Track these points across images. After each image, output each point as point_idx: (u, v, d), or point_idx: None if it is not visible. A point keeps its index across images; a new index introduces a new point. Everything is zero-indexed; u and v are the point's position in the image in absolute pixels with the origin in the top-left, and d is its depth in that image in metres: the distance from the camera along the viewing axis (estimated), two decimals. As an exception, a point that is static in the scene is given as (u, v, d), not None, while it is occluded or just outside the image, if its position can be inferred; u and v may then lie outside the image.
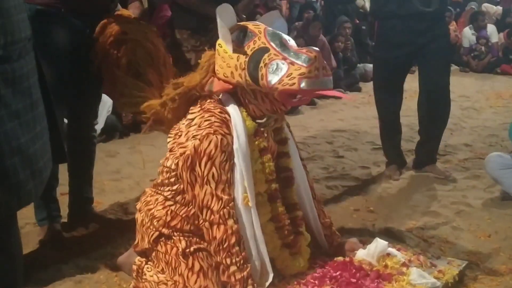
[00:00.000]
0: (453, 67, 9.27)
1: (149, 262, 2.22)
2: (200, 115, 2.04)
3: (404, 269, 2.18)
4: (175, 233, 2.11)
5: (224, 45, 2.05)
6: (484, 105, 6.43)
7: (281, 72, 1.90)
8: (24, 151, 1.20)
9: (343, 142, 4.85)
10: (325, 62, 1.96)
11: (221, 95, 2.09)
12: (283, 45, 1.96)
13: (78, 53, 2.54)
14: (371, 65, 8.23)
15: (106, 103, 4.57)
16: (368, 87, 7.72)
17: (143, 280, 2.21)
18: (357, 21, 8.96)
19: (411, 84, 7.84)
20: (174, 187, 2.10)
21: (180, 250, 2.08)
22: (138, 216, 2.24)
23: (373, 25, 8.73)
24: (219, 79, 2.07)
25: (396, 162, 3.88)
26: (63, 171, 2.85)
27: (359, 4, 9.85)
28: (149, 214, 2.16)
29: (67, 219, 2.94)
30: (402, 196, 3.43)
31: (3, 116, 1.15)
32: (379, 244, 2.27)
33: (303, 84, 1.87)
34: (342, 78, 7.32)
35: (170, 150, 2.10)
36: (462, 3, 10.72)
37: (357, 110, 6.36)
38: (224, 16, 2.03)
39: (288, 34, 2.12)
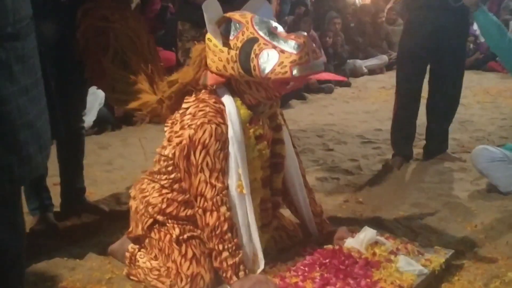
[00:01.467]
0: (443, 63, 9.37)
1: (142, 249, 2.26)
2: (195, 105, 2.07)
3: (392, 257, 2.24)
4: (169, 220, 2.15)
5: (213, 39, 2.07)
6: (472, 101, 6.49)
7: (272, 61, 1.92)
8: (33, 126, 1.26)
9: (333, 136, 4.90)
10: (314, 44, 1.99)
11: (215, 85, 2.12)
12: (272, 33, 1.98)
13: (65, 42, 2.54)
14: (360, 61, 8.33)
15: (98, 96, 4.60)
16: (357, 83, 7.81)
17: (136, 267, 2.25)
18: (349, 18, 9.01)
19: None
20: (172, 176, 2.13)
21: (174, 237, 2.11)
22: (133, 203, 2.28)
23: (363, 22, 8.80)
24: (212, 72, 2.10)
25: (403, 153, 3.94)
26: (55, 161, 2.88)
27: (350, 0, 9.91)
28: (144, 201, 2.19)
29: (59, 209, 2.96)
30: (390, 188, 3.48)
31: (15, 92, 1.20)
32: (367, 233, 2.33)
33: (295, 71, 1.90)
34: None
35: (168, 139, 2.14)
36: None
37: (346, 104, 6.42)
38: (211, 11, 2.04)
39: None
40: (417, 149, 4.36)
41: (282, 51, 1.92)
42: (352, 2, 10.14)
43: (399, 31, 9.41)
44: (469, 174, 3.68)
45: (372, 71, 8.38)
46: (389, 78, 8.14)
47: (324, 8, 8.32)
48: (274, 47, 1.94)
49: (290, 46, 1.92)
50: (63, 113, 2.84)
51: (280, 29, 2.03)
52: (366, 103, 6.49)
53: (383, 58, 8.67)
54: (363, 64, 8.35)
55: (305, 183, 2.45)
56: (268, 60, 1.93)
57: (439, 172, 3.80)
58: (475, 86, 7.50)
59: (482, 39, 9.05)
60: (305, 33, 1.99)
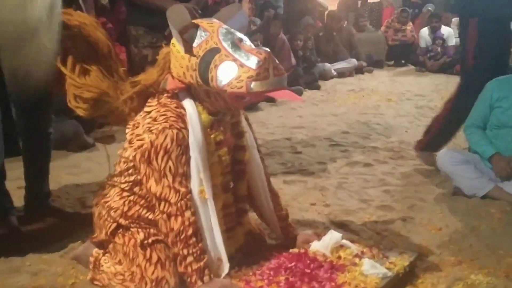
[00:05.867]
0: (410, 67, 9.51)
1: (106, 254, 2.24)
2: (156, 109, 2.06)
3: (357, 260, 2.25)
4: (133, 224, 2.13)
5: (177, 45, 2.06)
6: (439, 103, 6.52)
7: (230, 74, 1.92)
8: None
9: (301, 139, 4.92)
10: (276, 61, 1.99)
11: (176, 90, 2.11)
12: (235, 45, 1.97)
13: None
14: (329, 65, 8.40)
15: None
16: (327, 85, 7.87)
17: (100, 272, 2.22)
18: (319, 24, 9.09)
19: (369, 83, 8.09)
20: (132, 178, 2.12)
21: (138, 241, 2.10)
22: (95, 210, 2.26)
23: (330, 29, 8.84)
24: (173, 77, 2.09)
25: (436, 150, 3.88)
26: (19, 165, 2.84)
27: (323, 4, 9.98)
28: (106, 206, 2.17)
29: (23, 213, 2.92)
30: (357, 191, 3.51)
31: None
32: (333, 236, 2.34)
33: (252, 86, 1.90)
34: (301, 76, 7.41)
35: (129, 141, 2.12)
36: (420, 4, 10.93)
37: (315, 107, 6.45)
38: (176, 17, 2.03)
39: (249, 32, 2.13)
40: (385, 152, 4.42)
41: (242, 65, 1.92)
42: (324, 5, 10.22)
43: (367, 38, 9.64)
44: (435, 177, 3.73)
45: (341, 74, 8.46)
46: (358, 81, 8.26)
47: (294, 11, 8.35)
48: (235, 60, 1.94)
49: (250, 60, 1.92)
50: (31, 116, 2.83)
51: (245, 42, 2.02)
52: (335, 106, 6.54)
53: (352, 62, 8.75)
54: (332, 67, 8.41)
55: (270, 188, 2.45)
56: (226, 73, 1.92)
57: (406, 175, 3.84)
58: (443, 89, 7.62)
59: (449, 43, 9.21)
60: (268, 50, 1.98)
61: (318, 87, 7.56)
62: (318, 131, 5.24)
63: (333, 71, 8.36)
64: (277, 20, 7.54)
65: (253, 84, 1.90)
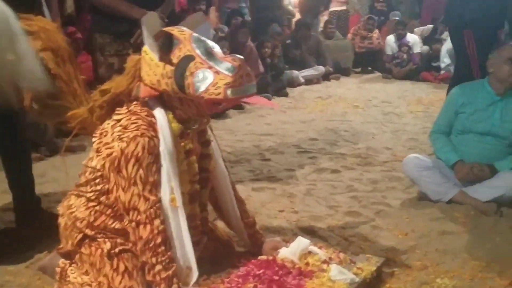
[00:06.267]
0: (376, 74, 9.62)
1: (72, 264, 2.21)
2: (126, 117, 2.05)
3: (324, 266, 2.26)
4: (99, 235, 2.11)
5: (150, 52, 2.06)
6: (405, 110, 6.68)
7: (207, 81, 1.93)
8: None
9: (269, 146, 4.94)
10: (248, 68, 2.01)
11: (147, 98, 2.11)
12: (208, 53, 1.99)
13: None
14: (297, 72, 8.44)
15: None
16: (295, 92, 7.92)
17: (66, 283, 2.19)
18: (287, 31, 9.14)
19: (336, 90, 8.16)
20: (98, 187, 2.10)
21: (105, 251, 2.08)
22: (61, 221, 2.22)
23: (298, 36, 8.90)
24: (145, 85, 2.09)
25: None
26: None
27: (291, 11, 10.04)
28: (71, 217, 2.15)
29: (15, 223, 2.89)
30: (324, 197, 3.53)
31: None
32: (301, 243, 2.35)
33: (228, 93, 1.92)
34: (269, 84, 7.44)
35: (96, 151, 2.10)
36: (386, 12, 11.07)
37: (284, 114, 6.48)
38: (150, 25, 2.03)
39: (216, 40, 2.15)
40: (353, 158, 4.47)
41: (217, 72, 1.94)
42: (292, 13, 10.29)
43: (335, 45, 9.74)
44: (401, 183, 3.78)
45: (309, 81, 8.52)
46: (325, 88, 8.32)
47: (262, 19, 8.38)
48: (210, 67, 1.95)
49: (225, 67, 1.94)
50: (5, 124, 2.78)
51: (217, 49, 2.04)
52: (303, 113, 6.58)
53: (320, 69, 8.82)
54: (300, 74, 8.47)
55: (236, 195, 2.46)
56: (203, 80, 1.94)
57: (373, 181, 3.88)
58: (409, 96, 7.73)
59: (415, 50, 9.35)
60: (241, 57, 2.01)
61: (286, 94, 7.60)
62: (286, 138, 5.26)
63: (301, 78, 8.41)
64: (245, 28, 7.56)
65: (229, 91, 1.92)
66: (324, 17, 10.97)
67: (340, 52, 9.87)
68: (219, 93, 1.92)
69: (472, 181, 3.31)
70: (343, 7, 11.36)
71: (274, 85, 7.57)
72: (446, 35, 9.01)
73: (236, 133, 5.41)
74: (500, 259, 2.64)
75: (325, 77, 8.94)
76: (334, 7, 11.24)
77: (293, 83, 8.23)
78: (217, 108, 2.09)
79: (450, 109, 3.46)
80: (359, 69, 10.04)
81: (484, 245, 2.80)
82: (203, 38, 2.06)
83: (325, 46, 9.43)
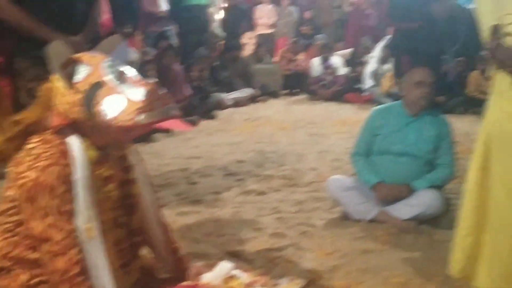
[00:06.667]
0: (303, 96, 9.78)
1: (-13, 297, 2.14)
2: (39, 145, 2.00)
3: (248, 289, 2.28)
4: (16, 266, 2.05)
5: (59, 81, 2.02)
6: (330, 131, 6.81)
7: (117, 107, 1.91)
8: None
9: (197, 169, 4.93)
10: (163, 91, 2.00)
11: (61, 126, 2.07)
12: (120, 78, 1.97)
13: None
14: (225, 94, 8.49)
15: None
16: (223, 114, 7.94)
17: (-18, 316, 2.12)
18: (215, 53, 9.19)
19: (264, 112, 8.24)
20: (15, 218, 2.03)
21: (22, 282, 2.02)
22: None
23: (226, 57, 8.97)
24: (58, 113, 2.05)
25: None
26: None
27: (218, 34, 10.09)
28: (-13, 248, 2.08)
29: None
30: (251, 220, 3.56)
31: None
32: (224, 267, 2.36)
33: (140, 118, 1.90)
34: (197, 106, 7.45)
35: (12, 180, 2.05)
36: (312, 35, 11.30)
37: (211, 137, 6.49)
38: (56, 53, 1.99)
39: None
40: (279, 180, 4.52)
41: (128, 98, 1.91)
42: (219, 35, 10.35)
43: (262, 67, 9.87)
44: (326, 203, 3.84)
45: (237, 103, 8.57)
46: (254, 110, 8.39)
47: (189, 42, 8.41)
48: (120, 92, 1.93)
49: (136, 92, 1.92)
50: None
51: (129, 74, 2.01)
52: (230, 135, 6.61)
53: (248, 91, 8.90)
54: (228, 96, 8.52)
55: (161, 221, 2.44)
56: (113, 106, 1.91)
57: (298, 201, 3.94)
58: (334, 117, 7.89)
59: (339, 72, 9.58)
60: (153, 81, 2.00)
61: (214, 117, 7.62)
62: (214, 160, 5.27)
63: (229, 101, 8.46)
64: (171, 51, 7.56)
65: (140, 116, 1.90)
66: (251, 40, 11.11)
67: (268, 74, 10.00)
68: (129, 119, 1.90)
69: (392, 201, 3.42)
70: (270, 30, 11.53)
71: (201, 107, 7.58)
72: (367, 57, 9.31)
73: (163, 157, 5.38)
74: (420, 275, 2.74)
75: (253, 99, 9.03)
76: (261, 31, 11.41)
77: (221, 106, 8.26)
78: (130, 135, 2.07)
79: (367, 131, 3.58)
80: (286, 91, 10.19)
81: (405, 262, 2.89)
82: (116, 62, 2.04)
83: (253, 69, 9.54)
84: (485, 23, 2.24)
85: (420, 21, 4.43)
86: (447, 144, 3.45)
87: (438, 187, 3.44)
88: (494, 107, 2.30)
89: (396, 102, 3.67)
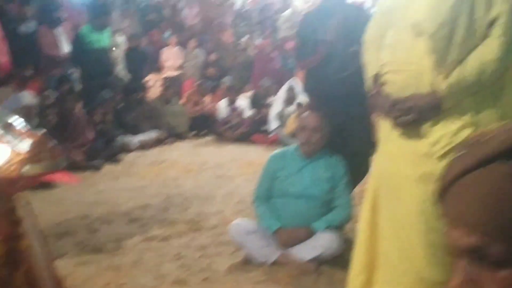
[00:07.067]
0: (210, 137, 9.81)
1: None
2: None
3: None
4: None
5: None
6: (236, 173, 6.85)
7: (1, 158, 1.86)
8: None
9: (98, 215, 4.80)
10: (51, 143, 1.96)
11: None
12: (6, 128, 1.93)
13: None
14: (131, 137, 8.37)
15: None
16: (129, 158, 7.80)
17: None
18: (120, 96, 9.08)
19: (170, 154, 8.18)
20: None
21: None
22: None
23: (131, 99, 8.88)
24: None
25: None
26: None
27: (124, 77, 9.99)
28: None
29: None
30: (153, 267, 3.50)
31: None
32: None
33: (25, 169, 1.85)
34: (101, 150, 7.30)
35: None
36: (218, 76, 11.42)
37: (115, 181, 6.35)
38: None
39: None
40: (183, 224, 4.47)
41: (13, 149, 1.87)
42: (124, 77, 10.25)
43: (170, 109, 9.84)
44: (229, 247, 3.84)
45: (143, 146, 8.46)
46: (160, 153, 8.31)
47: (92, 85, 8.26)
48: (5, 143, 1.88)
49: (22, 143, 1.88)
50: None
51: (16, 124, 1.97)
52: (135, 179, 6.49)
53: (154, 133, 8.83)
54: (134, 139, 8.40)
55: (53, 275, 2.35)
56: None
57: (201, 246, 3.91)
58: (241, 158, 7.93)
59: (246, 114, 9.71)
60: (41, 132, 1.96)
61: (118, 161, 7.47)
62: (116, 206, 5.16)
63: (134, 144, 8.34)
64: (73, 94, 7.41)
65: (26, 168, 1.85)
66: (158, 82, 11.08)
67: (175, 116, 9.97)
68: (13, 170, 1.85)
69: (293, 244, 3.46)
70: (177, 72, 11.55)
71: (106, 151, 7.42)
72: (272, 100, 9.51)
73: (64, 203, 5.19)
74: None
75: (160, 141, 8.95)
76: (167, 73, 11.41)
77: (127, 149, 8.13)
78: (15, 188, 2.00)
79: (266, 176, 3.65)
80: (193, 133, 10.19)
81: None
82: (3, 112, 2.00)
83: (160, 111, 9.49)
84: (369, 72, 2.36)
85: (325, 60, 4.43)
86: (343, 185, 3.56)
87: (337, 227, 3.52)
88: (380, 149, 2.41)
89: (292, 146, 3.76)
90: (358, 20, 3.18)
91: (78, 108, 7.29)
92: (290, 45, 10.83)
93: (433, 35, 2.09)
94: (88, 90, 8.07)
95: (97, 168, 6.85)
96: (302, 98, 8.75)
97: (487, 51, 2.06)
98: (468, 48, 2.08)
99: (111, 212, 4.92)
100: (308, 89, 4.34)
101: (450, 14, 2.06)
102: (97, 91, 8.00)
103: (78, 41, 8.03)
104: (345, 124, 3.73)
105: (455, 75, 2.09)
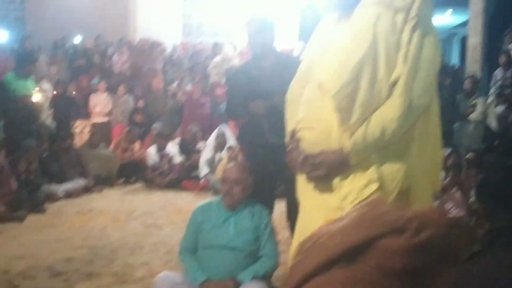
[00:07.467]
0: (139, 185, 9.69)
1: None
2: None
3: None
4: None
5: None
6: (166, 221, 6.77)
7: None
8: None
9: (20, 270, 4.63)
10: None
11: None
12: None
13: None
14: (56, 186, 8.15)
15: None
16: (54, 208, 7.57)
17: None
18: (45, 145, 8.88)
19: (98, 203, 8.02)
20: None
21: None
22: None
23: (56, 147, 8.69)
24: None
25: None
26: None
27: (47, 124, 9.78)
28: None
29: None
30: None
31: None
32: None
33: None
34: (24, 200, 7.08)
35: None
36: (147, 123, 11.33)
37: (39, 233, 6.13)
38: None
39: None
40: (108, 277, 4.36)
41: None
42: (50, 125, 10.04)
43: (97, 156, 9.68)
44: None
45: (69, 195, 8.25)
46: (87, 202, 8.12)
47: (16, 133, 8.05)
48: None
49: None
50: None
51: None
52: (60, 230, 6.29)
53: (81, 182, 8.64)
54: (60, 188, 8.19)
55: None
56: None
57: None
58: (170, 206, 7.85)
59: (176, 160, 9.67)
60: None
61: (43, 210, 7.25)
62: (39, 260, 4.98)
63: (60, 192, 8.13)
64: (-4, 144, 7.21)
65: None
66: (85, 129, 10.93)
67: (103, 163, 9.80)
68: None
69: None
70: (106, 119, 11.42)
71: (29, 201, 7.20)
72: (201, 145, 9.52)
73: (-18, 258, 4.99)
74: None
75: (88, 189, 8.76)
76: (96, 119, 11.28)
77: (52, 198, 7.91)
78: None
79: (191, 227, 3.65)
80: (122, 180, 10.04)
81: None
82: None
83: (87, 157, 9.31)
84: (288, 128, 2.42)
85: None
86: (267, 234, 3.58)
87: (263, 277, 3.52)
88: (300, 204, 2.46)
89: (217, 197, 3.77)
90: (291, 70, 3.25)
91: (1, 157, 7.06)
92: (220, 91, 10.94)
93: (336, 95, 2.18)
94: (11, 139, 7.85)
95: (20, 219, 6.62)
96: (233, 142, 8.83)
97: (389, 110, 2.17)
98: (373, 108, 2.18)
99: (33, 266, 4.76)
100: (240, 139, 4.39)
101: (352, 75, 2.15)
102: (21, 139, 7.80)
103: (1, 89, 7.85)
104: (279, 172, 3.76)
105: (359, 133, 2.19)
